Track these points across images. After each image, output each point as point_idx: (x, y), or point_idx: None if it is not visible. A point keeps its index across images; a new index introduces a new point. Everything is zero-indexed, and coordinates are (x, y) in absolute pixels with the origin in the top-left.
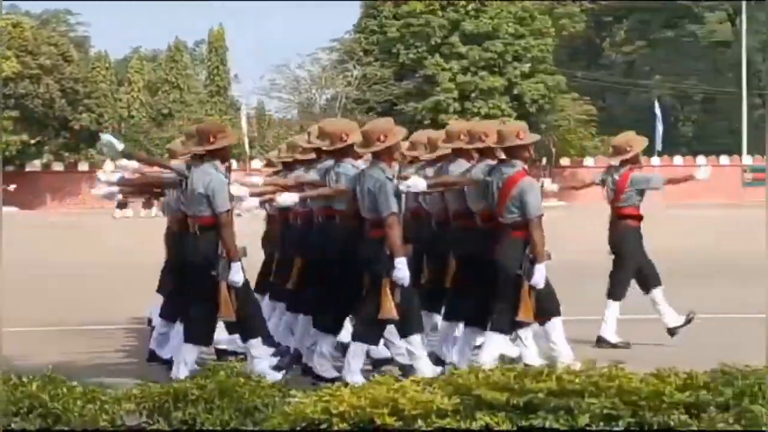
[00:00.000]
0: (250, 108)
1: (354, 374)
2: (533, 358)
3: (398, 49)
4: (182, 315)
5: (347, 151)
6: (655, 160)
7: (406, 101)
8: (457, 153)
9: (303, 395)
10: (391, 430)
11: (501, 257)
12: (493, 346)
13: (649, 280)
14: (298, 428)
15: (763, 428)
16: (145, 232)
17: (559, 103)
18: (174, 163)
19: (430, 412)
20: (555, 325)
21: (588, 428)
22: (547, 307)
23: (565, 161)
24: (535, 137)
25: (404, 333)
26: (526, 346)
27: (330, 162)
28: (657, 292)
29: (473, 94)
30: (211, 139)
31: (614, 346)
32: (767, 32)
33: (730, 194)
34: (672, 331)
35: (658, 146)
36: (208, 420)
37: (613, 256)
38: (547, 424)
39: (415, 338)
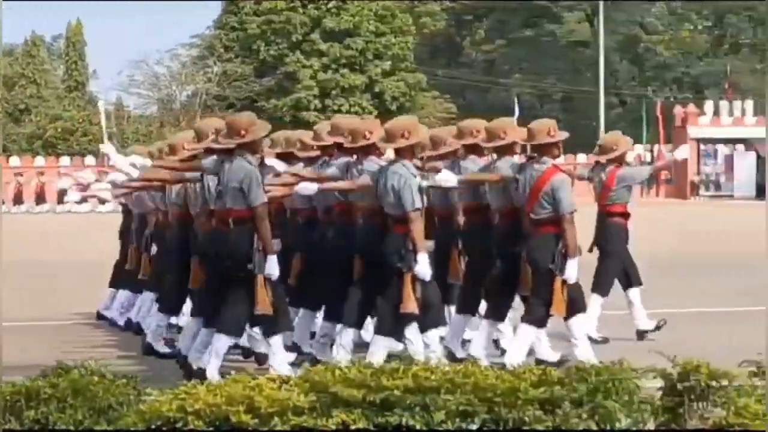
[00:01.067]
0: (109, 104)
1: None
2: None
3: (259, 46)
4: (201, 306)
5: (370, 149)
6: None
7: (267, 98)
8: (471, 149)
9: (159, 393)
10: (246, 427)
11: (533, 253)
12: (525, 339)
13: (630, 278)
14: (153, 427)
15: (616, 423)
16: (38, 225)
17: (420, 101)
18: (202, 161)
19: (286, 410)
20: (579, 321)
21: (444, 425)
22: (573, 303)
23: None
24: (564, 134)
25: (423, 327)
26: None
27: (345, 158)
28: (635, 292)
29: (334, 92)
30: (242, 133)
31: (594, 341)
32: (624, 32)
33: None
34: (641, 334)
35: None
36: (60, 419)
37: (597, 253)
38: (404, 421)
39: (433, 333)
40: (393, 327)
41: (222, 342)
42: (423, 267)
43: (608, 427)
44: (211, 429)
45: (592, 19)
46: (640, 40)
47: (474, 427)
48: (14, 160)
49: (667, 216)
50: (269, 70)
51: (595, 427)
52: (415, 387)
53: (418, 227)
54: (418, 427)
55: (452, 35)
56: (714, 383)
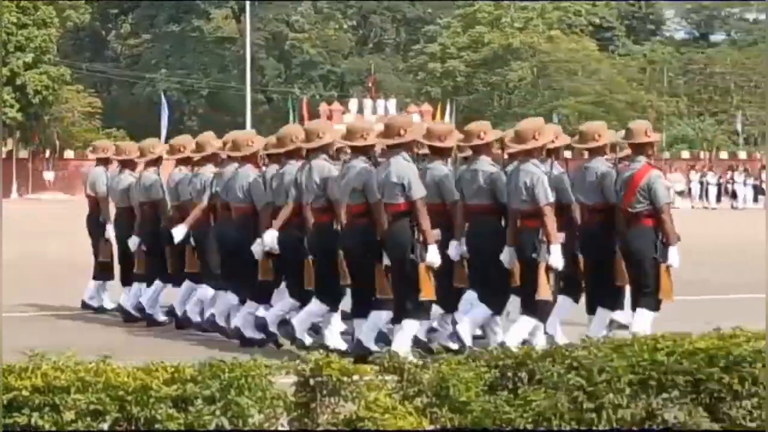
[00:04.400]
0: None
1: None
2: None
3: None
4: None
5: (484, 148)
6: None
7: None
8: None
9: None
10: None
11: (633, 245)
12: (644, 322)
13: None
14: None
15: (249, 419)
16: None
17: (64, 95)
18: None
19: None
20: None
21: (74, 425)
22: None
23: (69, 154)
24: (657, 137)
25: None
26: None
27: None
28: None
29: None
30: (401, 132)
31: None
32: (270, 30)
33: None
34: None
35: (163, 139)
36: None
37: None
38: (32, 422)
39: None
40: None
41: (410, 328)
42: (556, 257)
43: (241, 424)
44: None
45: (239, 16)
46: (287, 37)
47: (105, 426)
48: None
49: None
50: None
51: (227, 424)
52: (44, 386)
53: (551, 221)
54: (47, 427)
55: (97, 29)
56: (345, 378)
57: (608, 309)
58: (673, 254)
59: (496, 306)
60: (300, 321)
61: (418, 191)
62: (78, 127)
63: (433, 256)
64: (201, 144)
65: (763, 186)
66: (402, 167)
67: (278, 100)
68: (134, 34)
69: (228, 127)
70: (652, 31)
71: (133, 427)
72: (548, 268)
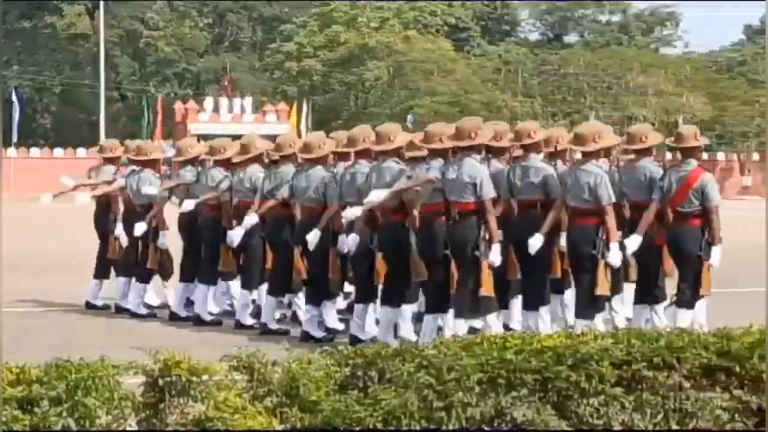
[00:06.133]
0: None
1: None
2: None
3: None
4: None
5: (535, 147)
6: (12, 151)
7: None
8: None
9: None
10: None
11: (682, 243)
12: (683, 319)
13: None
14: None
15: (96, 420)
16: None
17: None
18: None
19: None
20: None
21: None
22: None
23: None
24: (705, 141)
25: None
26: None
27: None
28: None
29: None
30: (472, 135)
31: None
32: (125, 27)
33: None
34: None
35: (15, 137)
36: None
37: None
38: None
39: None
40: (587, 308)
41: (460, 325)
42: (614, 254)
43: (88, 425)
44: None
45: (92, 13)
46: (141, 35)
47: None
48: None
49: None
50: None
51: (74, 425)
52: None
53: (612, 219)
54: None
55: None
56: (194, 378)
57: (649, 304)
58: (716, 254)
59: (543, 297)
60: (405, 322)
61: (489, 192)
62: None
63: (496, 255)
64: (246, 146)
65: None
66: (474, 168)
67: (133, 98)
68: None
69: (82, 124)
70: (507, 32)
71: None
72: (606, 265)
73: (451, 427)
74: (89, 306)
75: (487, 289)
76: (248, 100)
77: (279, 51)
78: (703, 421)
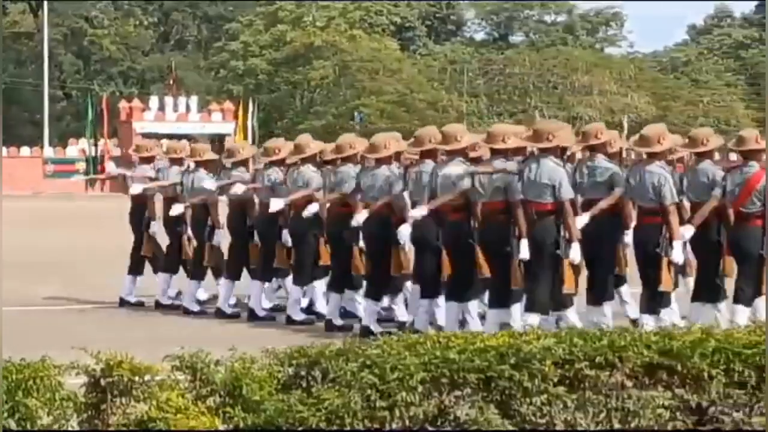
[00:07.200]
0: None
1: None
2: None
3: None
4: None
5: (601, 147)
6: None
7: None
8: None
9: None
10: None
11: (743, 242)
12: (741, 316)
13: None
14: None
15: (38, 421)
16: None
17: None
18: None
19: None
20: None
21: None
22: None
23: None
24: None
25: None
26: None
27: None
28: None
29: None
30: (550, 137)
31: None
32: (69, 25)
33: (31, 186)
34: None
35: None
36: None
37: None
38: None
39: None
40: (653, 304)
41: (533, 318)
42: (677, 252)
43: (29, 425)
44: None
45: (36, 11)
46: (86, 33)
47: None
48: None
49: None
50: None
51: (15, 426)
52: None
53: (675, 218)
54: None
55: None
56: (137, 378)
57: (711, 302)
58: None
59: (607, 292)
60: (473, 317)
61: (568, 193)
62: None
63: (576, 254)
64: (300, 146)
65: None
66: (553, 169)
67: (77, 97)
68: None
69: (26, 123)
70: (452, 31)
71: None
72: (669, 262)
73: (394, 427)
74: (123, 303)
75: (569, 286)
76: (194, 99)
77: (224, 50)
78: (644, 419)
